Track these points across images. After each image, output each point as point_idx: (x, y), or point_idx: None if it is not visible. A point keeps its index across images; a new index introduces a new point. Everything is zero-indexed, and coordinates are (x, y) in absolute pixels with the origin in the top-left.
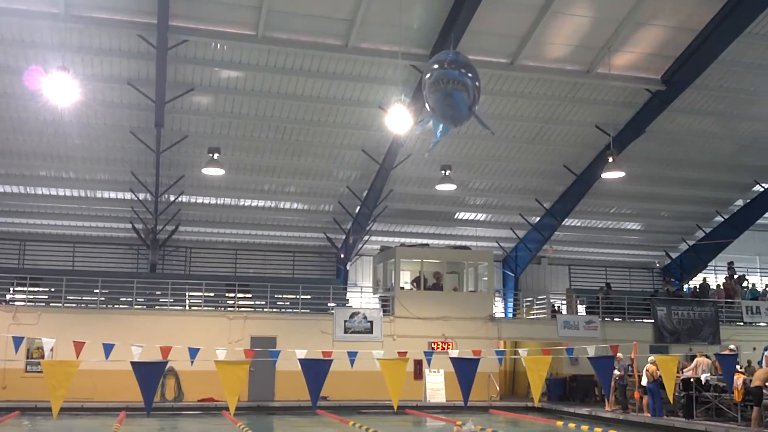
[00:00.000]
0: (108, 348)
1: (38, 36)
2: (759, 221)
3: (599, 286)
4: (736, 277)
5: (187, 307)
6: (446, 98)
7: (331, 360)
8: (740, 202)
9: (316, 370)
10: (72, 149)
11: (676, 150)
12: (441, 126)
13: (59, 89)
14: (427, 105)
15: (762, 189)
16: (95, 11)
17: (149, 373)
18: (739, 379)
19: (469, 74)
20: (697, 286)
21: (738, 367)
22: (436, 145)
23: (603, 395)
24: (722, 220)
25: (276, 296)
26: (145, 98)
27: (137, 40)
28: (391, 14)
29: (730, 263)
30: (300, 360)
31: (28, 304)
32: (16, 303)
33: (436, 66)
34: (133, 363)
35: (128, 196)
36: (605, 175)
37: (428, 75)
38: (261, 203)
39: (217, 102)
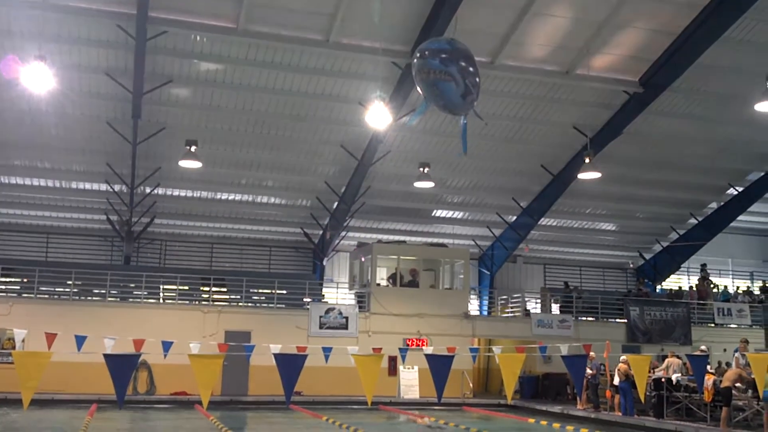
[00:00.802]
0: (80, 340)
1: (15, 24)
2: (732, 224)
3: (572, 286)
4: (707, 279)
5: (162, 300)
6: (431, 88)
7: (306, 355)
8: (714, 205)
9: (290, 365)
10: (48, 139)
11: (653, 152)
12: (423, 105)
13: (36, 78)
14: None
15: (736, 192)
16: (74, 0)
17: (122, 366)
18: (709, 380)
19: (460, 63)
20: (673, 290)
21: (708, 367)
22: (415, 118)
23: (575, 393)
24: (696, 222)
25: (251, 291)
26: (122, 89)
27: (116, 31)
28: (372, 11)
29: (704, 265)
30: (274, 355)
31: (0, 294)
32: None
33: (418, 55)
34: (105, 355)
35: (104, 187)
36: (582, 176)
37: (413, 63)
38: (238, 197)
39: (195, 94)
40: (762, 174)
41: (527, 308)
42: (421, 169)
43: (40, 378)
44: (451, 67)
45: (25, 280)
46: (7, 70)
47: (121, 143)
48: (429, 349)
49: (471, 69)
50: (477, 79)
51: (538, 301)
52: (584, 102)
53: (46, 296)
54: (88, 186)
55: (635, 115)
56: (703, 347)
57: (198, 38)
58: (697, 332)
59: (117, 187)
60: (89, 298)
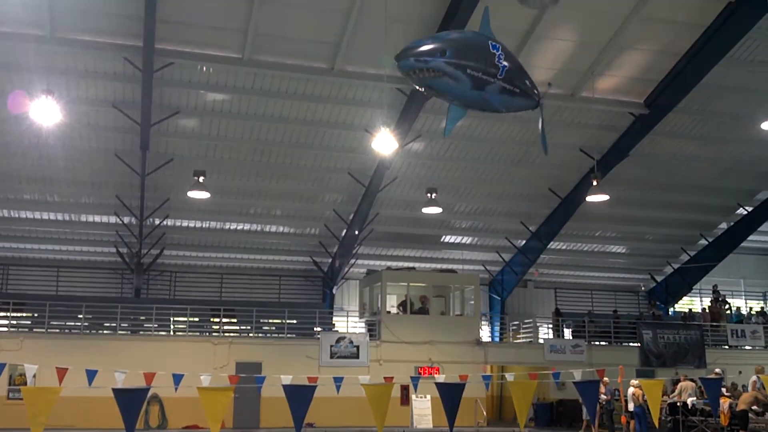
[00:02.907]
0: (91, 374)
1: (23, 58)
2: (743, 244)
3: (587, 310)
4: (720, 300)
5: (172, 333)
6: (430, 91)
7: (315, 386)
8: (724, 225)
9: (300, 396)
10: (56, 172)
11: (660, 173)
12: (453, 109)
13: (44, 112)
14: None
15: (745, 212)
16: (81, 34)
17: (131, 400)
18: (725, 403)
19: (446, 54)
20: (685, 313)
21: (724, 390)
22: (450, 126)
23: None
24: (706, 243)
25: (261, 321)
26: (130, 121)
27: (123, 63)
28: (377, 38)
29: (715, 286)
30: (284, 386)
31: (11, 329)
32: None
33: (395, 62)
34: (114, 390)
35: (113, 219)
36: (590, 199)
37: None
38: (247, 227)
39: (202, 125)
40: None
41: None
42: (429, 195)
43: (50, 413)
44: (434, 62)
45: (35, 314)
46: (16, 106)
47: (129, 175)
48: (440, 378)
49: (473, 55)
50: (497, 62)
51: (550, 326)
52: (590, 124)
53: (57, 330)
54: (97, 219)
55: (641, 136)
56: (717, 370)
57: (204, 69)
58: (711, 355)
59: (126, 219)
60: (100, 331)
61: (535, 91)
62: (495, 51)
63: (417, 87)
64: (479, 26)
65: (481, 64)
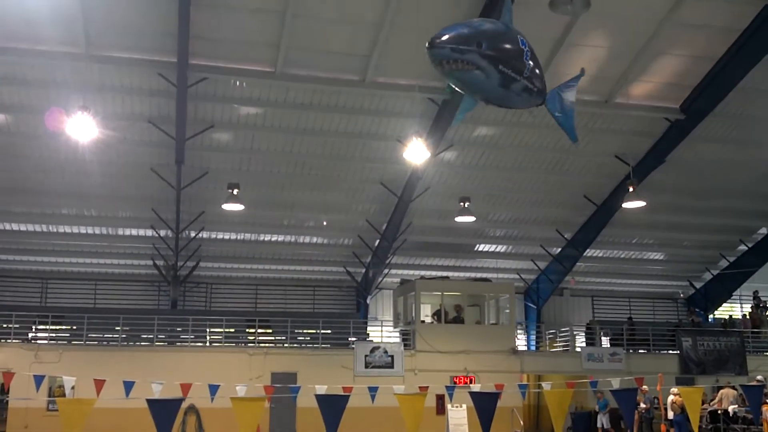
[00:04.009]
0: (128, 385)
1: (60, 76)
2: None
3: (626, 318)
4: (760, 306)
5: (208, 344)
6: (457, 83)
7: (348, 396)
8: (764, 230)
9: (333, 406)
10: (93, 187)
11: (698, 178)
12: (466, 99)
13: (80, 128)
14: None
15: None
16: (116, 51)
17: (165, 411)
18: (767, 410)
19: (482, 46)
20: (725, 320)
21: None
22: (461, 115)
23: (628, 428)
24: (746, 248)
25: (296, 331)
26: (165, 136)
27: (157, 79)
28: (408, 49)
29: (755, 292)
30: (316, 396)
31: (50, 342)
32: (38, 341)
33: (427, 45)
34: (149, 400)
35: (149, 233)
36: (626, 205)
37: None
38: (281, 238)
39: (236, 138)
40: None
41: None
42: (462, 204)
43: (84, 425)
44: (470, 54)
45: (74, 327)
46: (53, 123)
47: (165, 189)
48: (477, 387)
49: (507, 51)
50: (518, 59)
51: (583, 334)
52: (625, 131)
53: (95, 343)
54: (134, 232)
55: (678, 142)
56: (759, 377)
57: (237, 83)
58: (753, 362)
59: (162, 233)
60: (137, 343)
61: (544, 91)
62: (524, 47)
63: (443, 76)
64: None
65: (513, 61)
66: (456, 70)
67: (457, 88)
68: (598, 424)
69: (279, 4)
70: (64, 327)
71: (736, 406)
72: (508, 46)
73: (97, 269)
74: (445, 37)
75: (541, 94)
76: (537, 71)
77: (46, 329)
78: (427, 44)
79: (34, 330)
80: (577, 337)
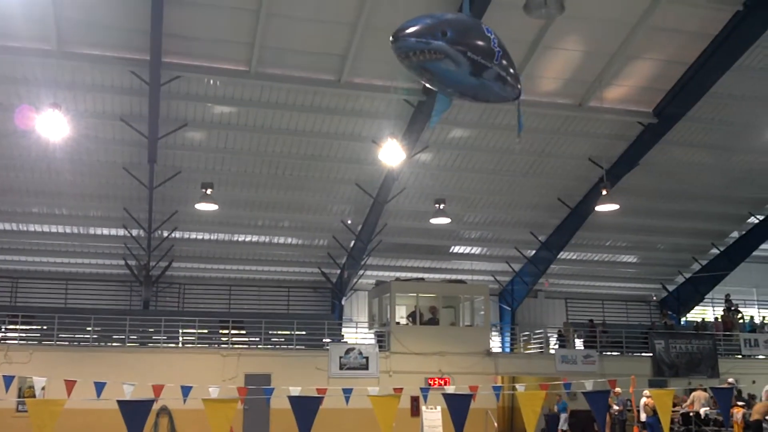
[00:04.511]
0: (99, 386)
1: (30, 73)
2: (755, 253)
3: (589, 319)
4: (732, 309)
5: (181, 345)
6: (425, 75)
7: (321, 397)
8: (735, 234)
9: (306, 407)
10: (64, 186)
11: (670, 182)
12: (440, 100)
13: (51, 126)
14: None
15: (757, 221)
16: (88, 48)
17: (137, 412)
18: (738, 413)
19: (448, 34)
20: (698, 323)
21: (739, 403)
22: (437, 116)
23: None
24: (718, 252)
25: (270, 332)
26: (138, 134)
27: (130, 77)
28: (384, 50)
29: (727, 295)
30: (289, 398)
31: (20, 342)
32: (8, 341)
33: (391, 39)
34: (119, 401)
35: (121, 232)
36: (599, 208)
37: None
38: (255, 238)
39: (210, 137)
40: None
41: (560, 337)
42: (437, 206)
43: (55, 426)
44: (435, 42)
45: (44, 327)
46: (22, 120)
47: (137, 188)
48: (450, 389)
49: (473, 37)
50: (485, 45)
51: (553, 336)
52: (599, 134)
53: (66, 343)
54: (105, 231)
55: (651, 145)
56: (731, 379)
57: (211, 82)
58: (725, 364)
59: (135, 232)
60: (109, 344)
61: (519, 84)
62: (489, 35)
63: (410, 71)
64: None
65: (480, 47)
66: (424, 61)
67: (428, 84)
68: (559, 426)
69: (254, 3)
70: (34, 327)
71: (708, 408)
72: (473, 32)
73: (68, 269)
74: (408, 30)
75: (515, 85)
76: (507, 59)
77: (16, 329)
78: (391, 38)
79: (3, 330)
80: (551, 339)
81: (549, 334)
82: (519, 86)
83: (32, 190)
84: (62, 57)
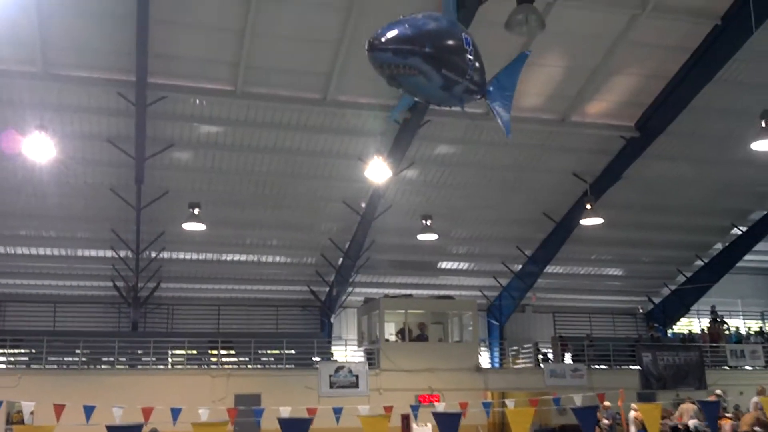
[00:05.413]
0: (89, 410)
1: (16, 95)
2: (739, 264)
3: (585, 334)
4: (718, 320)
5: (170, 366)
6: (398, 85)
7: (311, 418)
8: (719, 246)
9: (296, 428)
10: (51, 208)
11: (653, 195)
12: (405, 97)
13: (37, 148)
14: None
15: (740, 232)
16: (73, 70)
17: None
18: (727, 425)
19: (425, 49)
20: (685, 334)
21: (728, 414)
22: (397, 111)
23: None
24: (702, 264)
25: (260, 352)
26: (124, 155)
27: (116, 98)
28: (368, 67)
29: (713, 307)
30: (279, 420)
31: (8, 366)
32: None
33: (367, 47)
34: (108, 427)
35: (109, 253)
36: (584, 222)
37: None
38: (243, 257)
39: (197, 157)
40: (765, 213)
41: (543, 356)
42: (424, 222)
43: None
44: (412, 58)
45: (33, 350)
46: (8, 145)
47: (125, 209)
48: (440, 406)
49: (451, 53)
50: (462, 61)
51: (543, 351)
52: (582, 148)
53: (55, 366)
54: (93, 253)
55: (633, 159)
56: (718, 391)
57: (197, 102)
58: (712, 376)
59: (122, 253)
60: (98, 366)
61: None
62: (467, 47)
63: (382, 77)
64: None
65: (456, 64)
66: (397, 75)
67: (394, 87)
68: None
69: (238, 23)
70: (22, 350)
71: (696, 420)
72: (451, 47)
73: (56, 291)
74: (385, 38)
75: (481, 89)
76: (479, 68)
77: (4, 353)
78: (366, 45)
79: None
80: (547, 353)
81: (544, 349)
82: (485, 87)
83: (19, 213)
84: (48, 79)
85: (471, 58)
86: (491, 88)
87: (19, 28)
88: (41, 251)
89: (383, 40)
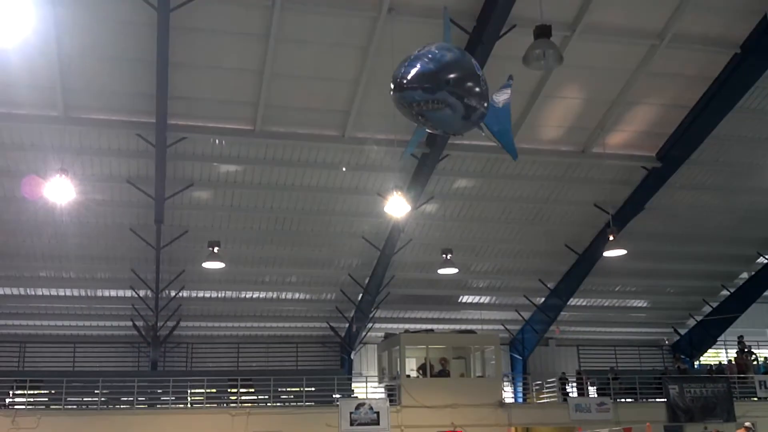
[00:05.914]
0: None
1: (38, 139)
2: (766, 293)
3: (609, 367)
4: (746, 351)
5: (189, 405)
6: (422, 121)
7: None
8: (745, 275)
9: None
10: (71, 249)
11: (677, 225)
12: (418, 132)
13: (58, 192)
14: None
15: (765, 261)
16: (94, 113)
17: None
18: None
19: (449, 83)
20: (712, 366)
21: None
22: (411, 147)
23: None
24: (728, 293)
25: (279, 389)
26: (144, 196)
27: (136, 139)
28: (386, 104)
29: (740, 337)
30: None
31: (28, 407)
32: (15, 407)
33: (392, 87)
34: None
35: (128, 293)
36: (607, 254)
37: (391, 96)
38: (262, 295)
39: (216, 196)
40: None
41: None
42: (444, 256)
43: None
44: (440, 93)
45: (52, 391)
46: (30, 190)
47: (144, 249)
48: None
49: (470, 81)
50: (478, 88)
51: (573, 384)
52: (603, 180)
53: (74, 407)
54: (113, 293)
55: (656, 189)
56: (748, 423)
57: (217, 142)
58: (740, 407)
59: (142, 293)
60: (117, 406)
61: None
62: (479, 73)
63: (408, 116)
64: (442, 31)
65: (475, 91)
66: (426, 111)
67: (418, 124)
68: None
69: (257, 64)
70: (42, 391)
71: None
72: (470, 76)
73: (75, 331)
74: (411, 76)
75: (485, 113)
76: (487, 94)
77: (23, 394)
78: (392, 86)
79: (11, 395)
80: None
81: (570, 381)
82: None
83: (39, 255)
84: (69, 122)
85: (483, 83)
86: (488, 114)
87: (39, 72)
88: (61, 292)
89: (410, 78)
